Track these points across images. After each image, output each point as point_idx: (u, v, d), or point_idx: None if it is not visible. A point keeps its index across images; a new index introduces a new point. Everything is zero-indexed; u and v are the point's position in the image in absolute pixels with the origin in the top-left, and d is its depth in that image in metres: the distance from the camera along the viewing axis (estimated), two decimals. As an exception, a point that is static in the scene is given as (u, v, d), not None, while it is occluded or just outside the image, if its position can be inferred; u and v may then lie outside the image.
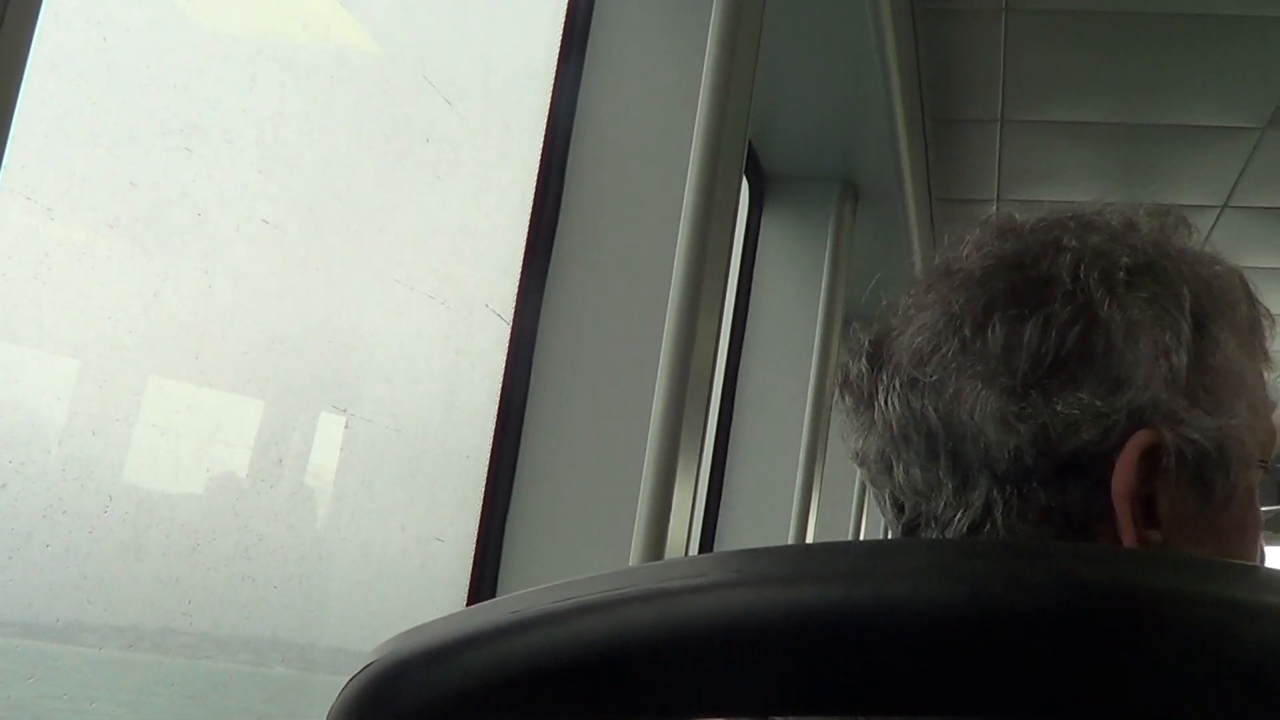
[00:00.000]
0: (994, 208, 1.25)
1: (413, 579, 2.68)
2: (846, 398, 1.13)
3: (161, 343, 1.94)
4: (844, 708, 0.73)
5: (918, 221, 5.17)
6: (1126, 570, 0.62)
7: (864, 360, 1.12)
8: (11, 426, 1.69)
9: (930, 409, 1.05)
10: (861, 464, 1.13)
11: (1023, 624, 0.61)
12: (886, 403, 1.08)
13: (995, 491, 1.03)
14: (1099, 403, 1.02)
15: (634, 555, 2.58)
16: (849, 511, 6.03)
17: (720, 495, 4.53)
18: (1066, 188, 5.64)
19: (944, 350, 1.05)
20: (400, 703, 0.69)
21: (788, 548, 0.67)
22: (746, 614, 0.64)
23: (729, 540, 4.45)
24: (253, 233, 2.05)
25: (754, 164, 4.46)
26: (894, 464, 1.08)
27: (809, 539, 4.35)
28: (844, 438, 1.16)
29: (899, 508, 1.10)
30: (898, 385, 1.07)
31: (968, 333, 1.04)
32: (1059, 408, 1.01)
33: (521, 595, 0.68)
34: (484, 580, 2.71)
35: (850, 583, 0.63)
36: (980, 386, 1.03)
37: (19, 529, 1.67)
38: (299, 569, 2.27)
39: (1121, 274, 1.06)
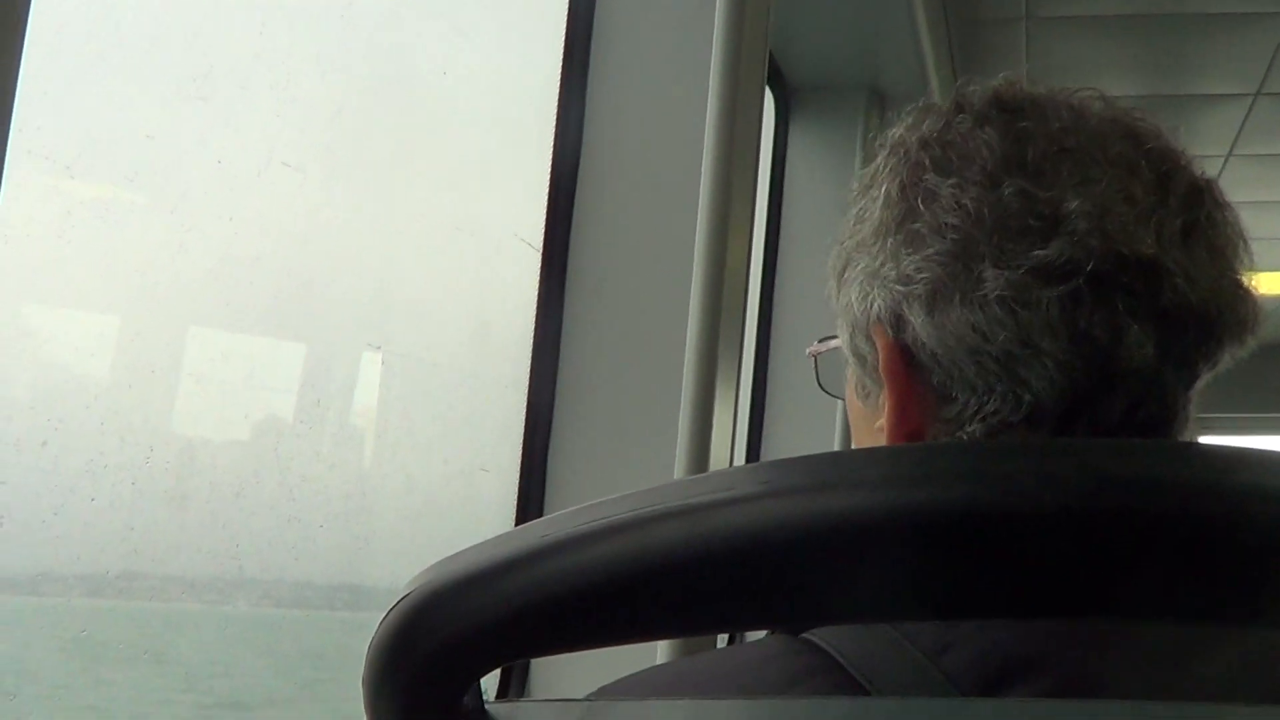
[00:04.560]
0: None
1: (459, 511, 2.69)
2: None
3: (191, 293, 1.95)
4: (877, 615, 0.73)
5: (946, 125, 5.12)
6: (1154, 464, 0.62)
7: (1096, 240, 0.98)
8: (48, 385, 1.70)
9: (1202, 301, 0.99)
10: (974, 356, 1.00)
11: (1053, 521, 0.61)
12: (1185, 289, 0.98)
13: (1145, 390, 0.99)
14: None
15: (678, 472, 2.58)
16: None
17: (763, 409, 4.53)
18: (1095, 83, 5.57)
19: (1219, 235, 1.01)
20: (438, 632, 0.70)
21: (816, 457, 0.66)
22: (776, 525, 0.63)
23: (773, 453, 4.45)
24: (274, 177, 2.05)
25: (777, 76, 4.43)
26: (1021, 359, 0.99)
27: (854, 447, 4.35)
28: (946, 322, 1.02)
29: (1023, 403, 1.00)
30: (1196, 271, 0.99)
31: (1179, 222, 1.00)
32: None
33: (553, 518, 0.69)
34: (529, 507, 2.72)
35: (879, 489, 0.63)
36: (1216, 275, 1.00)
37: (62, 484, 1.69)
38: (344, 507, 2.29)
39: None
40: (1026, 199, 0.99)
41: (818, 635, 0.96)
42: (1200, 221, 1.01)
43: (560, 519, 0.68)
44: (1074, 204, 0.98)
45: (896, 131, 1.13)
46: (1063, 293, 0.97)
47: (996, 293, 0.98)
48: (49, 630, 1.92)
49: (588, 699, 0.82)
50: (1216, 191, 1.05)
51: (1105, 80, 5.54)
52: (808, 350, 1.32)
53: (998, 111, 1.06)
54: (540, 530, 0.68)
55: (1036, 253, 0.97)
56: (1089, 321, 0.97)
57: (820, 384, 1.34)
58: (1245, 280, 1.02)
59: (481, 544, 0.71)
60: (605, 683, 1.07)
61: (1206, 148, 6.04)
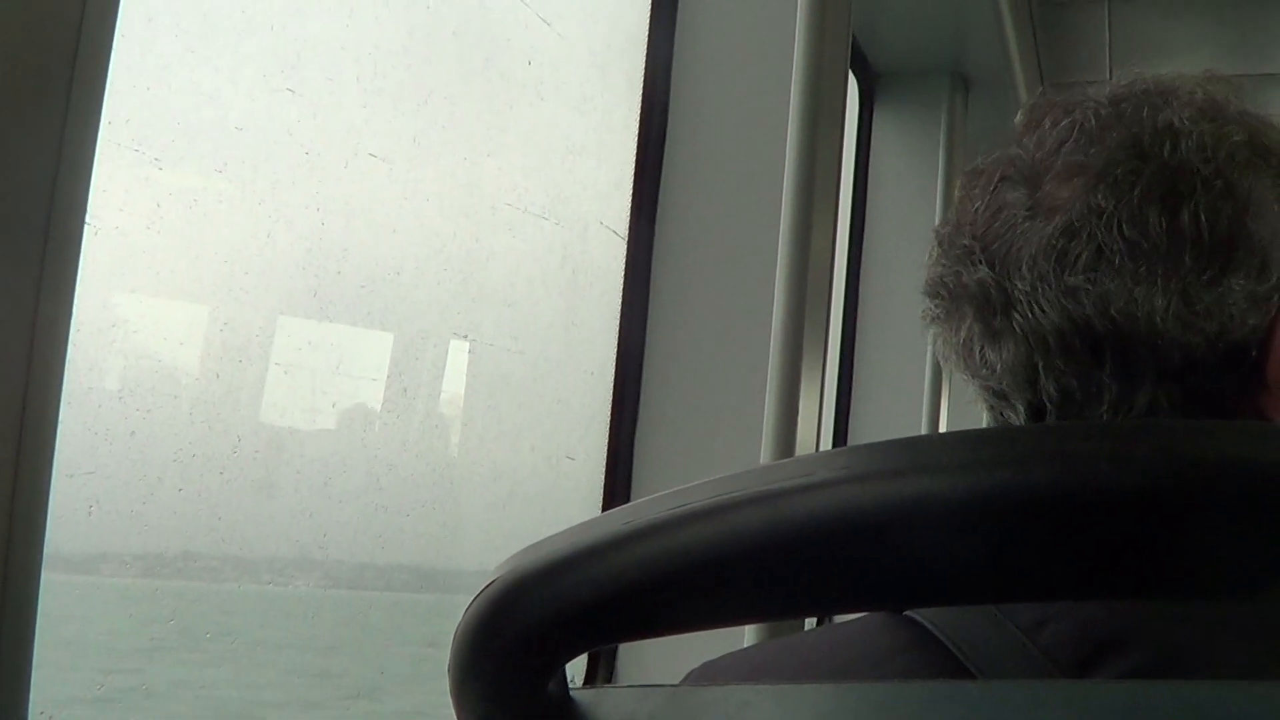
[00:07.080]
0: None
1: (546, 498, 2.70)
2: (966, 308, 1.07)
3: (279, 283, 1.96)
4: (954, 596, 0.73)
5: (1031, 108, 5.08)
6: (1228, 443, 0.62)
7: (984, 267, 1.05)
8: (137, 375, 1.72)
9: (1096, 316, 1.00)
10: (983, 375, 1.07)
11: (1127, 502, 0.61)
12: (1033, 311, 1.01)
13: (1159, 389, 1.00)
14: (1256, 287, 1.00)
15: (763, 458, 2.58)
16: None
17: (850, 395, 4.53)
18: (1180, 62, 5.50)
19: (1102, 252, 1.00)
20: (523, 618, 0.71)
21: (893, 442, 0.67)
22: (854, 510, 0.64)
23: (860, 438, 4.44)
24: (361, 167, 2.07)
25: (860, 61, 4.41)
26: (1040, 374, 1.03)
27: (942, 430, 4.34)
28: (945, 355, 1.11)
29: (1037, 415, 1.05)
30: (1048, 293, 1.01)
31: (1127, 232, 0.99)
32: (1226, 299, 0.99)
33: (635, 506, 0.69)
34: (616, 494, 2.73)
35: (955, 473, 0.63)
36: (1155, 288, 0.99)
37: (150, 474, 1.70)
38: (431, 495, 2.30)
39: (1244, 153, 1.04)
40: None
41: (915, 611, 0.97)
42: None
43: (642, 506, 0.69)
44: None
45: None
46: None
47: None
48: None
49: (676, 685, 0.83)
50: None
51: (1188, 59, 5.47)
52: None
53: None
54: (623, 517, 0.69)
55: None
56: None
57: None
58: None
59: (565, 531, 0.72)
60: (694, 667, 1.08)
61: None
